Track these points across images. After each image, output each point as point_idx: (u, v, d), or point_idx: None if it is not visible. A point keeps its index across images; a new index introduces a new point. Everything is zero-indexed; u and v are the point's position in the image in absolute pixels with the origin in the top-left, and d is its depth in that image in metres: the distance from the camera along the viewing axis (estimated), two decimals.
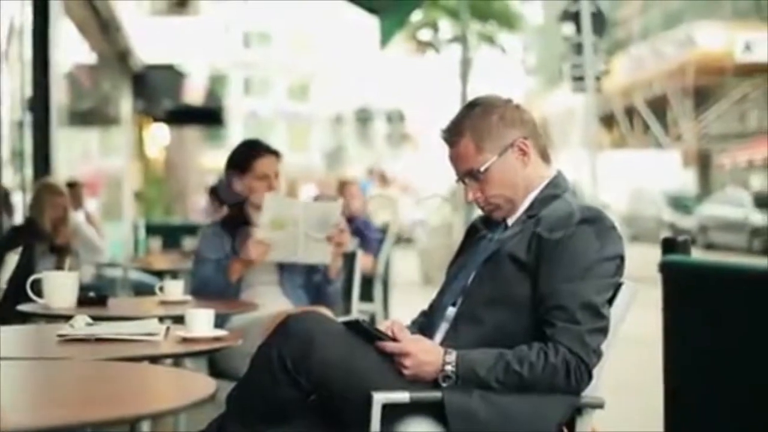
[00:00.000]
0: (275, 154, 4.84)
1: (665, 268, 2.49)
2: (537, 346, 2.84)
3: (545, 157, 3.14)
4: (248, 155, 4.82)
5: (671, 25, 39.99)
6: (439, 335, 3.01)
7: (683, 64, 37.35)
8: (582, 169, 19.44)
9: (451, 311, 3.04)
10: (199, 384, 2.31)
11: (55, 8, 9.59)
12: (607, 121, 42.01)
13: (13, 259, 2.32)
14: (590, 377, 2.87)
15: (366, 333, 2.88)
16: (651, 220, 28.49)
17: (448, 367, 2.83)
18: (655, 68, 39.74)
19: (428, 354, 2.86)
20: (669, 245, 2.57)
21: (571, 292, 2.85)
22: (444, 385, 2.83)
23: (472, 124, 3.06)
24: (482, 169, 3.05)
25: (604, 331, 2.88)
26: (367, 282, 7.30)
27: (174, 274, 6.63)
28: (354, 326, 2.90)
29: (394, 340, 2.88)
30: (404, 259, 15.68)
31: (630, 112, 42.39)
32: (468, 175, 3.08)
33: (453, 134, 3.10)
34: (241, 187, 4.80)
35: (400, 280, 10.73)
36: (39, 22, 9.29)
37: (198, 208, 18.06)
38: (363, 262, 6.34)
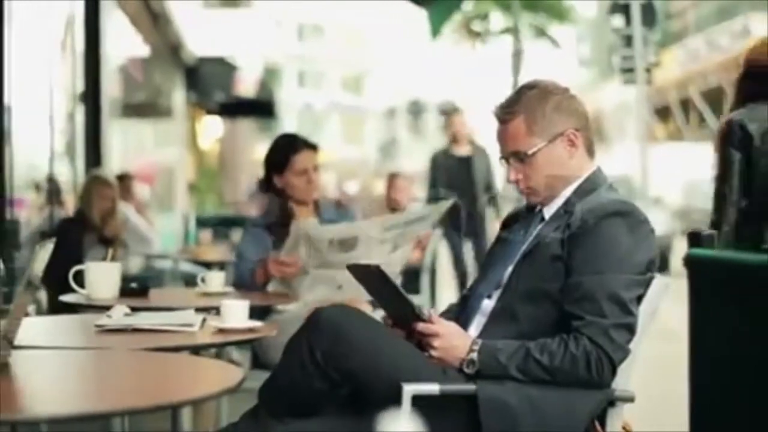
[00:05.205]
0: (313, 148, 4.76)
1: (689, 262, 2.50)
2: (559, 337, 2.84)
3: (591, 152, 3.12)
4: (286, 151, 4.73)
5: (726, 17, 39.56)
6: (474, 328, 3.02)
7: (739, 55, 36.80)
8: (634, 162, 19.31)
9: (486, 304, 3.04)
10: (227, 373, 2.35)
11: (108, 2, 9.70)
12: (663, 113, 41.66)
13: (47, 249, 2.35)
14: (614, 372, 2.85)
15: (388, 284, 2.91)
16: (705, 213, 28.06)
17: (473, 354, 2.86)
18: (710, 60, 39.32)
19: (457, 339, 2.89)
20: (694, 239, 2.57)
21: (600, 284, 2.84)
22: (467, 370, 2.85)
23: (527, 105, 3.04)
24: (529, 152, 3.03)
25: (630, 328, 2.86)
26: (414, 274, 7.29)
27: (222, 266, 6.68)
28: (374, 273, 2.92)
29: (423, 320, 2.91)
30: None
31: (686, 105, 41.99)
32: (513, 155, 3.07)
33: (507, 112, 3.07)
34: (281, 184, 4.72)
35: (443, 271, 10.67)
36: (91, 15, 9.40)
37: (248, 200, 18.13)
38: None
